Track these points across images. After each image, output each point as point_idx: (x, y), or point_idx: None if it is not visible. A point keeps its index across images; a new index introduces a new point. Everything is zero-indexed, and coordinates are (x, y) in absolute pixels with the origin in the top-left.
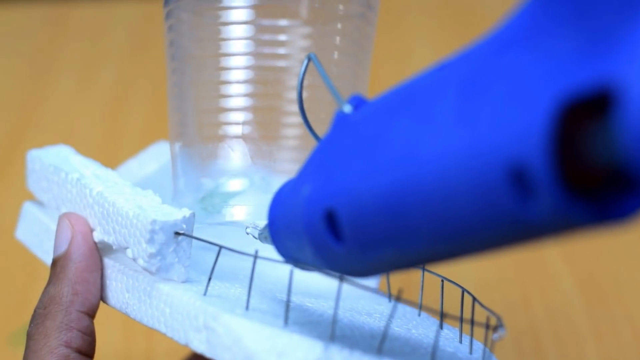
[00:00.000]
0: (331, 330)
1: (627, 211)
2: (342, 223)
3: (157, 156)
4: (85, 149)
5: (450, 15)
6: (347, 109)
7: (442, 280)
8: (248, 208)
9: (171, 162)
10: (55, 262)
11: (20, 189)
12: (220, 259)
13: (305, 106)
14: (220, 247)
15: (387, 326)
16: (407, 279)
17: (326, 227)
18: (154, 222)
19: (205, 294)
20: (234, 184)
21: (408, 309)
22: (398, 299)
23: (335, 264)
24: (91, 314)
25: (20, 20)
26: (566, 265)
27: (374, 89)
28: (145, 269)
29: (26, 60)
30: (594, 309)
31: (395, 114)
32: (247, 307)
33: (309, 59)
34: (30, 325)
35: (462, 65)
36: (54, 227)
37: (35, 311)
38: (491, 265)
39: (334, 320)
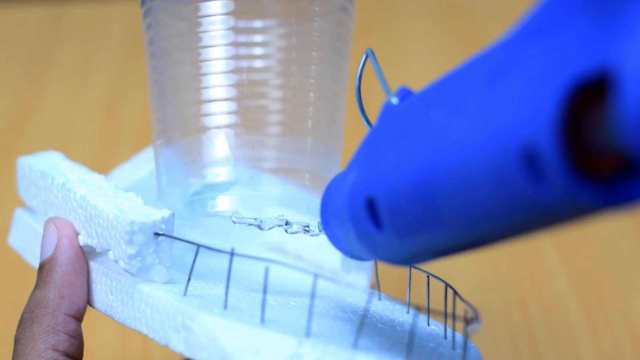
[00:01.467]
0: (306, 327)
1: (634, 196)
2: (380, 210)
3: (149, 160)
4: (82, 149)
5: (447, 15)
6: (394, 100)
7: (428, 277)
8: (232, 198)
9: (155, 161)
10: (42, 266)
11: (16, 190)
12: (207, 259)
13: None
14: (199, 245)
15: (361, 323)
16: (397, 276)
17: (367, 214)
18: (132, 223)
19: (185, 294)
20: (218, 177)
21: (398, 306)
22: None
23: (377, 251)
24: (78, 317)
25: (17, 20)
26: (562, 265)
27: (371, 88)
28: (126, 271)
29: (23, 60)
30: (590, 308)
31: (432, 104)
32: (225, 306)
33: (367, 55)
34: (17, 330)
35: (492, 56)
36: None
37: (22, 315)
38: (488, 265)
39: (309, 317)
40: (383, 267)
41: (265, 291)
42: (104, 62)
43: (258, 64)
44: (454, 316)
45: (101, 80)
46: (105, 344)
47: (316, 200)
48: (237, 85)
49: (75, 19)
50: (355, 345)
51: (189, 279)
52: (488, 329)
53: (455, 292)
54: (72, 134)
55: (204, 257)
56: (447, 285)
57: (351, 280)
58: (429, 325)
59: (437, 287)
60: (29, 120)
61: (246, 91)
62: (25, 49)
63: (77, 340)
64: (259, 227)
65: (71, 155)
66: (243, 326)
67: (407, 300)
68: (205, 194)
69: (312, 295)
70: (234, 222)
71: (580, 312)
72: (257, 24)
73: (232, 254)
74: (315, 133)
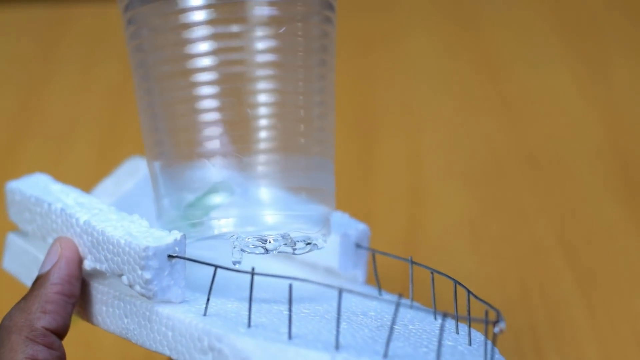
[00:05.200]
0: (335, 341)
1: None
2: None
3: (132, 173)
4: (86, 149)
5: (452, 24)
6: None
7: (432, 273)
8: (233, 220)
9: (151, 181)
10: (36, 280)
11: None
12: (206, 270)
13: None
14: (216, 267)
15: (389, 336)
16: (396, 272)
17: None
18: (147, 248)
19: (205, 314)
20: (215, 196)
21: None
22: (399, 303)
23: None
24: (58, 334)
25: (22, 20)
26: (566, 265)
27: (372, 89)
28: (143, 295)
29: (27, 60)
30: (594, 309)
31: None
32: (249, 324)
33: None
34: None
35: None
36: (41, 257)
37: (1, 322)
38: (491, 265)
39: (337, 331)
40: (382, 263)
41: (290, 308)
42: (107, 62)
43: (246, 83)
44: (468, 313)
45: (105, 80)
46: (107, 345)
47: (315, 208)
48: (228, 106)
49: (80, 19)
50: (385, 355)
51: (207, 299)
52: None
53: (469, 291)
54: (75, 133)
55: (200, 269)
56: (456, 282)
57: (349, 277)
58: (435, 319)
59: (441, 284)
60: (33, 119)
61: (237, 112)
62: (30, 49)
63: (58, 352)
64: (266, 250)
65: (75, 155)
66: (273, 345)
67: (410, 297)
68: (199, 210)
69: (339, 309)
70: (242, 251)
71: (584, 312)
72: (241, 43)
73: (253, 273)
74: (310, 148)
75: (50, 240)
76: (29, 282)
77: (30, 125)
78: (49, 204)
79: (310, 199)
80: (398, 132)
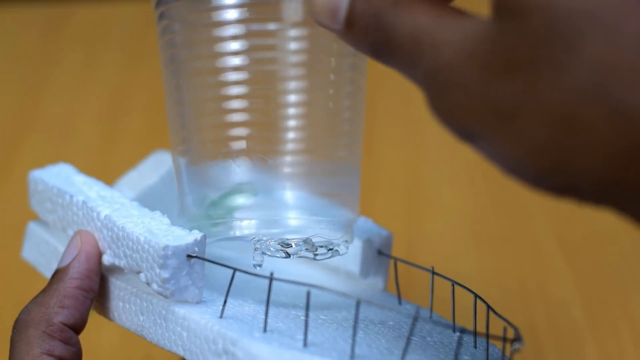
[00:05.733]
0: (351, 351)
1: None
2: None
3: (156, 167)
4: (85, 151)
5: None
6: None
7: (453, 285)
8: (255, 222)
9: (175, 176)
10: (55, 273)
11: (20, 190)
12: (226, 270)
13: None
14: (235, 269)
15: (406, 347)
16: (417, 280)
17: None
18: (166, 247)
19: (221, 316)
20: (239, 196)
21: (420, 312)
22: (415, 319)
23: None
24: (76, 329)
25: (22, 20)
26: (566, 266)
27: (376, 94)
28: (160, 293)
29: (27, 60)
30: (593, 310)
31: None
32: (264, 329)
33: None
34: (13, 331)
35: None
36: (61, 248)
37: (19, 315)
38: (491, 267)
39: (353, 341)
40: (402, 270)
41: (307, 314)
42: (108, 63)
43: (277, 84)
44: (487, 329)
45: (105, 80)
46: (108, 344)
47: (338, 214)
48: (258, 107)
49: (80, 19)
50: None
51: (225, 302)
52: (491, 330)
53: (489, 307)
54: (75, 134)
55: (216, 269)
56: (476, 296)
57: (369, 283)
58: (454, 331)
59: (461, 296)
60: (33, 120)
61: (266, 113)
62: (30, 49)
63: (75, 348)
64: (287, 254)
65: (75, 156)
66: (287, 352)
67: (430, 308)
68: (223, 210)
69: (356, 319)
70: (264, 254)
71: (584, 313)
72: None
73: (271, 278)
74: (337, 153)
75: (70, 232)
76: (47, 273)
77: (30, 124)
78: (71, 196)
79: (334, 204)
80: (398, 132)
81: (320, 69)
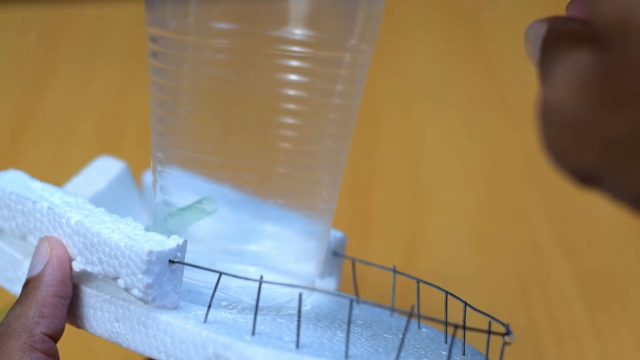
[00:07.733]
0: (345, 349)
1: None
2: None
3: (103, 172)
4: (84, 150)
5: (452, 25)
6: None
7: (446, 294)
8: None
9: (152, 180)
10: (27, 283)
11: None
12: (194, 276)
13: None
14: (221, 273)
15: (400, 347)
16: (405, 290)
17: None
18: (150, 252)
19: (205, 320)
20: (197, 210)
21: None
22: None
23: None
24: (54, 338)
25: (22, 20)
26: (566, 265)
27: (376, 94)
28: (141, 299)
29: (27, 60)
30: (594, 309)
31: None
32: (253, 332)
33: None
34: None
35: None
36: (18, 255)
37: None
38: (491, 266)
39: (347, 341)
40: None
41: (299, 316)
42: (107, 63)
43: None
44: (464, 325)
45: (105, 81)
46: (107, 345)
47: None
48: (230, 117)
49: (80, 19)
50: None
51: (209, 306)
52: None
53: (466, 303)
54: (75, 133)
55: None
56: (465, 304)
57: (321, 285)
58: (445, 342)
59: (428, 292)
60: (33, 120)
61: (237, 123)
62: (30, 50)
63: (54, 358)
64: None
65: (75, 155)
66: (285, 354)
67: (391, 303)
68: (181, 229)
69: (349, 321)
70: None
71: (584, 312)
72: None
73: (260, 281)
74: (327, 168)
75: (32, 240)
76: (2, 281)
77: (30, 125)
78: (34, 202)
79: (297, 255)
80: (398, 132)
81: (308, 95)
